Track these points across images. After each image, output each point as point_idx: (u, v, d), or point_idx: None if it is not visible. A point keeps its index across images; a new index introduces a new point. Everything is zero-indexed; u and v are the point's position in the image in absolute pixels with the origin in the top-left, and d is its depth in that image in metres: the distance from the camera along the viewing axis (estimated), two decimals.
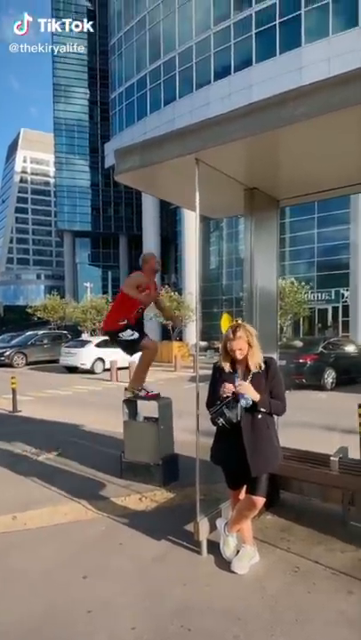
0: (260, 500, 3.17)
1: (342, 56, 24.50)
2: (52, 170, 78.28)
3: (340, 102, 2.53)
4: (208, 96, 32.26)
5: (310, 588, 2.97)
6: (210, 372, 3.33)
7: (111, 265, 60.15)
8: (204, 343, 29.61)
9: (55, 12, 53.07)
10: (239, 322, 3.22)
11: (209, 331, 30.12)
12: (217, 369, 3.26)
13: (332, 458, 3.81)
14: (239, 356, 3.11)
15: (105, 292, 43.64)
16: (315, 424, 7.10)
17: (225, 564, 3.26)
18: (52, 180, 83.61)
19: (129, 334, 4.91)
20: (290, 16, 28.62)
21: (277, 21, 29.26)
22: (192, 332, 30.57)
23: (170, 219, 43.22)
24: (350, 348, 15.00)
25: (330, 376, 12.86)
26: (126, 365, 16.44)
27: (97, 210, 58.17)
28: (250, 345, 3.10)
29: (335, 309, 30.11)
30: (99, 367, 18.25)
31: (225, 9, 32.41)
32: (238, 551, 3.32)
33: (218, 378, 3.19)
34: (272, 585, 3.03)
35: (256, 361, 3.11)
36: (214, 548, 3.42)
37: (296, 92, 2.72)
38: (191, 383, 14.67)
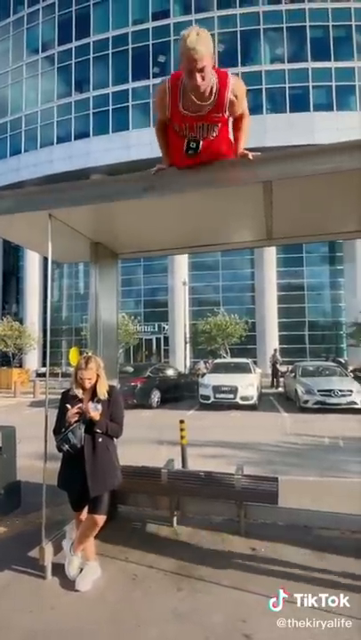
0: (101, 519, 2.99)
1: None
2: None
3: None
4: (52, 155, 31.56)
5: (147, 591, 2.87)
6: (57, 396, 3.10)
7: None
8: (44, 369, 27.93)
9: None
10: (90, 354, 3.11)
11: (51, 357, 28.59)
12: (65, 396, 3.05)
13: (162, 470, 3.82)
14: (88, 384, 3.00)
15: None
16: (146, 439, 7.10)
17: (70, 584, 2.95)
18: None
19: None
20: (121, 105, 30.06)
21: (110, 107, 30.49)
22: (31, 359, 28.66)
23: (12, 252, 40.36)
24: (170, 372, 15.77)
25: (155, 396, 13.20)
26: None
27: None
28: (98, 375, 3.02)
29: (158, 339, 31.48)
30: None
31: (67, 88, 32.53)
32: (82, 569, 3.06)
33: (65, 405, 2.98)
34: (113, 595, 2.84)
35: (102, 390, 3.03)
36: (59, 569, 3.08)
37: (128, 177, 2.88)
38: (31, 408, 13.56)
